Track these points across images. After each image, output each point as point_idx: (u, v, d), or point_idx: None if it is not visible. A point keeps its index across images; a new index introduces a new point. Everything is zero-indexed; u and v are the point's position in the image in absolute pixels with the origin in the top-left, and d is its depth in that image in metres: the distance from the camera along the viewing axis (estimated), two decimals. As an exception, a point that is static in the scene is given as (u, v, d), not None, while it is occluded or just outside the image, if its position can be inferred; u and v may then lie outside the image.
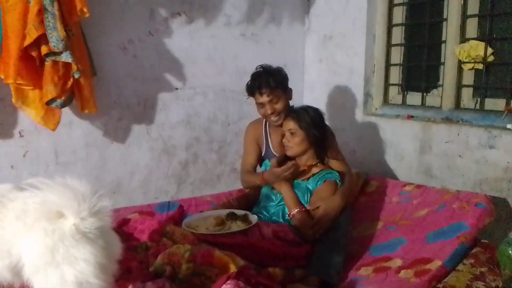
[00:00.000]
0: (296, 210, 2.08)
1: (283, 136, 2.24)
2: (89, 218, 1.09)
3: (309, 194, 2.15)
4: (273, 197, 2.22)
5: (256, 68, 2.30)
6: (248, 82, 2.29)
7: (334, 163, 2.27)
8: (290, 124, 2.18)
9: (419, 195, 2.29)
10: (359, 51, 2.88)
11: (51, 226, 1.07)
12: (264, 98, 2.21)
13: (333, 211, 2.05)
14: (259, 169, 2.49)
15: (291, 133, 2.18)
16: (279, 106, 2.23)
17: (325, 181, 2.15)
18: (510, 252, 1.81)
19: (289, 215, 2.10)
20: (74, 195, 1.09)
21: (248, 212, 2.16)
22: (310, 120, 2.17)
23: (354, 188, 2.41)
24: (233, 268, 1.51)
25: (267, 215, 2.19)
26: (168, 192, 2.84)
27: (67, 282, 1.07)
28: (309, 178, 2.20)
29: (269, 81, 2.18)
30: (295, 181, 2.20)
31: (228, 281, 1.35)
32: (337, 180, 2.16)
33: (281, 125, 2.25)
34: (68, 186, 1.11)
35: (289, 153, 2.22)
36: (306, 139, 2.17)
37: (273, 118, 2.26)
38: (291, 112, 2.23)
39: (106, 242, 1.14)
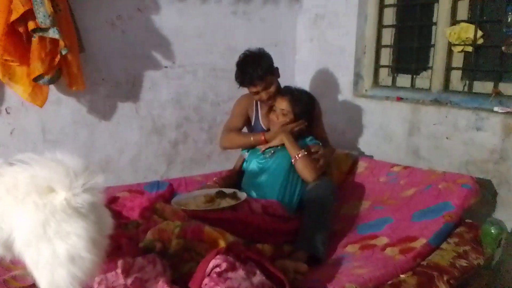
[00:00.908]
0: (301, 153, 2.16)
1: (270, 108, 2.33)
2: (82, 194, 1.09)
3: None
4: (263, 166, 2.27)
5: (239, 57, 2.31)
6: (236, 73, 2.31)
7: (320, 133, 2.44)
8: (284, 105, 2.26)
9: (406, 176, 2.32)
10: (350, 31, 2.87)
11: (42, 200, 1.07)
12: (257, 88, 2.27)
13: (329, 154, 2.37)
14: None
15: (283, 113, 2.25)
16: (272, 89, 2.30)
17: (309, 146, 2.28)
18: (493, 231, 1.86)
19: (295, 159, 2.17)
20: (65, 170, 1.08)
21: (236, 190, 2.19)
22: (304, 107, 2.28)
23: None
24: (222, 244, 1.52)
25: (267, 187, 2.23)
26: (158, 171, 2.84)
27: (59, 256, 1.07)
28: None
29: (257, 71, 2.22)
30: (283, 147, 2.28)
31: (217, 256, 1.37)
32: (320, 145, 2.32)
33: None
34: (59, 161, 1.10)
35: (275, 129, 2.30)
36: (293, 122, 2.27)
37: (269, 101, 2.33)
38: (287, 92, 2.29)
39: (98, 217, 1.14)
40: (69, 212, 1.08)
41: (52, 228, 1.07)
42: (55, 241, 1.07)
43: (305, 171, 2.15)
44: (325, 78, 3.08)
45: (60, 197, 1.08)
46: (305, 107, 2.29)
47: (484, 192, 2.13)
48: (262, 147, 2.32)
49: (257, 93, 2.30)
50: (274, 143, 2.28)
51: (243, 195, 2.10)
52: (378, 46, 2.86)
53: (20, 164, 1.11)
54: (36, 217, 1.07)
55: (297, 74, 3.27)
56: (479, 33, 2.33)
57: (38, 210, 1.06)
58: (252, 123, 2.51)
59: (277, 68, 2.35)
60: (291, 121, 2.26)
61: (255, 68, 2.22)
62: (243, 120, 2.50)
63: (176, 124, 2.86)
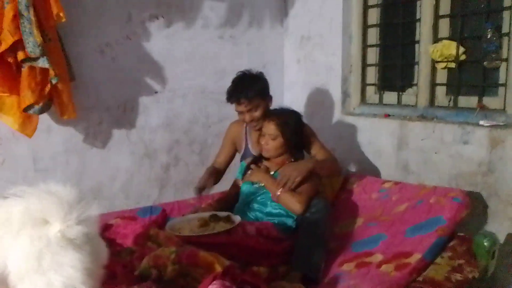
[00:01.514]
0: (280, 190, 2.12)
1: (259, 135, 2.30)
2: (76, 226, 1.09)
3: None
4: (257, 192, 2.25)
5: (237, 74, 2.33)
6: (228, 88, 2.32)
7: (320, 153, 2.35)
8: (272, 129, 2.22)
9: (398, 191, 2.35)
10: (336, 51, 2.93)
11: (36, 233, 1.06)
12: (242, 108, 2.26)
13: (304, 169, 2.14)
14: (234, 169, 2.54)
15: (271, 138, 2.23)
16: (257, 114, 2.28)
17: None
18: (486, 243, 1.88)
19: (273, 198, 2.14)
20: (58, 201, 1.08)
21: (230, 213, 2.18)
22: (292, 128, 2.25)
23: (331, 168, 2.37)
24: (218, 268, 1.51)
25: (259, 213, 2.22)
26: (150, 196, 2.83)
27: None
28: None
29: (247, 92, 2.22)
30: (276, 171, 2.26)
31: (214, 281, 1.36)
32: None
33: (260, 129, 2.30)
34: (52, 193, 1.10)
35: (266, 154, 2.29)
36: (284, 145, 2.25)
37: (252, 124, 2.32)
38: (273, 115, 2.26)
39: (92, 248, 1.14)
40: (63, 244, 1.07)
41: (47, 261, 1.06)
42: (50, 274, 1.06)
43: (289, 207, 2.12)
44: (313, 97, 3.12)
45: (54, 229, 1.08)
46: (294, 127, 2.27)
47: (474, 205, 2.16)
48: (245, 179, 2.32)
49: (241, 112, 2.29)
50: (253, 179, 2.27)
51: (237, 218, 2.09)
52: (364, 64, 2.93)
53: (13, 197, 1.11)
54: (31, 249, 1.06)
55: (285, 94, 3.31)
56: (461, 49, 2.40)
57: (33, 243, 1.06)
58: (242, 151, 2.50)
59: (270, 96, 2.36)
60: (281, 144, 2.23)
61: (246, 87, 2.23)
62: (228, 153, 2.53)
63: (167, 148, 2.87)
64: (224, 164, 2.53)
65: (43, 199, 1.09)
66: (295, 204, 2.08)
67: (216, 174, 2.42)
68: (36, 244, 1.06)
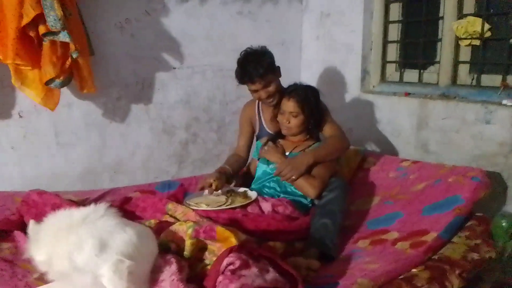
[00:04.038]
0: None
1: (276, 113, 2.29)
2: None
3: None
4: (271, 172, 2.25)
5: (241, 54, 2.29)
6: (236, 70, 2.29)
7: (327, 129, 2.31)
8: (292, 106, 2.19)
9: (416, 170, 2.32)
10: (356, 28, 2.88)
11: None
12: (257, 86, 2.24)
13: (302, 167, 2.10)
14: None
15: (293, 116, 2.21)
16: (272, 88, 2.26)
17: None
18: (504, 224, 1.86)
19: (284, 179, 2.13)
20: None
21: (247, 189, 2.21)
22: (313, 104, 2.22)
23: (335, 149, 2.26)
24: (234, 242, 1.53)
25: (274, 191, 2.23)
26: (169, 172, 2.87)
27: None
28: (304, 150, 2.25)
29: (258, 69, 2.19)
30: (293, 153, 2.25)
31: (231, 254, 1.38)
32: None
33: (276, 105, 2.29)
34: None
35: (287, 132, 2.28)
36: (305, 122, 2.23)
37: (268, 100, 2.30)
38: (292, 92, 2.22)
39: None
40: None
41: None
42: None
43: (303, 191, 2.13)
44: (332, 75, 3.09)
45: None
46: (315, 104, 2.24)
47: (495, 185, 2.13)
48: (261, 154, 2.30)
49: (256, 91, 2.27)
50: (269, 158, 2.24)
51: (253, 194, 2.12)
52: (385, 41, 2.87)
53: None
54: None
55: (303, 72, 3.28)
56: (486, 26, 2.33)
57: None
58: (257, 131, 2.51)
59: (278, 67, 2.33)
60: (303, 121, 2.22)
61: (255, 65, 2.19)
62: (247, 135, 2.53)
63: (185, 125, 2.89)
64: (245, 148, 2.53)
65: None
66: (309, 189, 2.09)
67: (227, 172, 2.35)
68: None
